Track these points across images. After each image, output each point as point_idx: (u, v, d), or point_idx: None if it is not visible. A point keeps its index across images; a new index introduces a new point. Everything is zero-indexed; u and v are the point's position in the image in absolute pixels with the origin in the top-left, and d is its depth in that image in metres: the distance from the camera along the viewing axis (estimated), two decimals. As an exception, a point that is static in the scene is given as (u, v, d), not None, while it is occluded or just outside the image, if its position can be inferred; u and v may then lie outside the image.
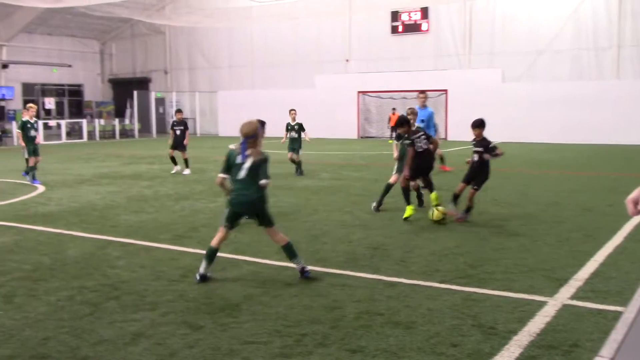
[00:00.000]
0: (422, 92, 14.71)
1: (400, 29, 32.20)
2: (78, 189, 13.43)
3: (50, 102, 38.52)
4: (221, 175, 6.30)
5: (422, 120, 13.57)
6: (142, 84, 40.96)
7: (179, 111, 17.48)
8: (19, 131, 14.96)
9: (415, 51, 31.69)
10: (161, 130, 36.81)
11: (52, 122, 34.76)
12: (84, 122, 35.20)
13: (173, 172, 16.39)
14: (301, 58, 34.73)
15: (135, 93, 37.28)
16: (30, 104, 15.58)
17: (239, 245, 7.72)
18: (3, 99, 36.07)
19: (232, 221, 6.33)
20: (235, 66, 37.47)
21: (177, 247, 7.80)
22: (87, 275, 6.51)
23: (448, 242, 7.94)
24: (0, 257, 7.31)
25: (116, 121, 37.19)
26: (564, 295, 5.72)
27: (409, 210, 9.46)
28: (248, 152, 6.17)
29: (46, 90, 39.45)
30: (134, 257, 7.32)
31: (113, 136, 35.97)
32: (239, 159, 6.19)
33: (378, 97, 32.89)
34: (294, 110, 16.37)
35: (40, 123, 32.51)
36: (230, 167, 6.25)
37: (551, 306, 5.39)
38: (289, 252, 6.33)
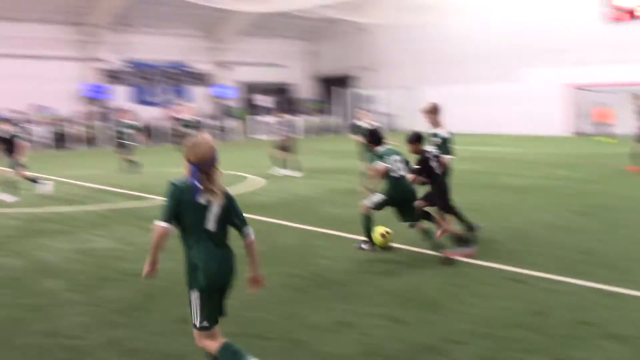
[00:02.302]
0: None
1: (614, 15, 29.57)
2: (290, 182, 14.31)
3: (265, 100, 41.36)
4: (162, 225, 3.79)
5: None
6: (348, 81, 42.32)
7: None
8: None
9: (635, 40, 28.89)
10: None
11: (266, 119, 37.29)
12: (297, 119, 37.29)
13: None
14: (506, 51, 33.46)
15: (341, 91, 38.61)
16: (185, 103, 17.08)
17: (441, 242, 7.70)
18: (225, 98, 39.47)
19: (213, 311, 3.94)
20: (439, 62, 37.15)
21: (379, 241, 7.98)
22: (296, 263, 6.95)
23: (674, 251, 7.19)
24: (222, 242, 8.06)
25: (323, 118, 38.87)
26: None
27: None
28: (209, 186, 3.81)
29: (261, 88, 42.45)
30: (340, 249, 7.64)
31: (320, 132, 37.68)
32: (199, 199, 3.80)
33: (594, 90, 30.53)
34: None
35: (255, 119, 35.16)
36: (178, 213, 3.81)
37: None
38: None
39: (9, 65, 31.21)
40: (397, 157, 7.49)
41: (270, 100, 41.08)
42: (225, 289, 4.01)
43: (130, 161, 17.12)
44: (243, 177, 15.26)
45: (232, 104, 39.98)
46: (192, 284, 3.88)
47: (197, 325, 3.85)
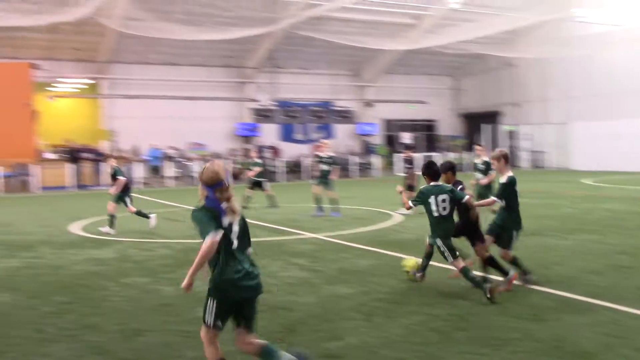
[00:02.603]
0: None
1: None
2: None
3: (407, 137, 41.38)
4: (216, 235, 4.21)
5: None
6: (492, 117, 41.26)
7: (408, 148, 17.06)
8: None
9: None
10: (511, 163, 36.42)
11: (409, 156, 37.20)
12: (438, 155, 36.91)
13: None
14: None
15: (485, 127, 37.72)
16: (324, 141, 17.04)
17: (596, 289, 7.16)
18: (368, 135, 39.98)
19: (226, 317, 4.45)
20: (590, 96, 35.18)
21: (526, 285, 7.57)
22: (438, 304, 6.76)
23: None
24: (363, 278, 8.06)
25: (467, 154, 38.08)
26: None
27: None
28: (227, 206, 4.27)
29: (404, 125, 42.53)
30: (481, 290, 7.33)
31: (461, 170, 36.91)
32: (225, 221, 4.25)
33: None
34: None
35: (397, 156, 35.13)
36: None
37: None
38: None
39: (171, 106, 33.94)
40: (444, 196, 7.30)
41: (412, 137, 41.05)
42: (250, 302, 4.46)
43: (270, 196, 17.71)
44: (385, 214, 15.24)
45: (375, 140, 40.38)
46: (215, 291, 4.39)
47: (211, 322, 4.37)
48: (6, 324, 6.36)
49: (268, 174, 18.38)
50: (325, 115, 38.08)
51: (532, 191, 20.25)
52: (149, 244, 11.37)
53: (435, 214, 7.24)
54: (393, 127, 42.17)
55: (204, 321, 4.41)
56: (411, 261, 8.07)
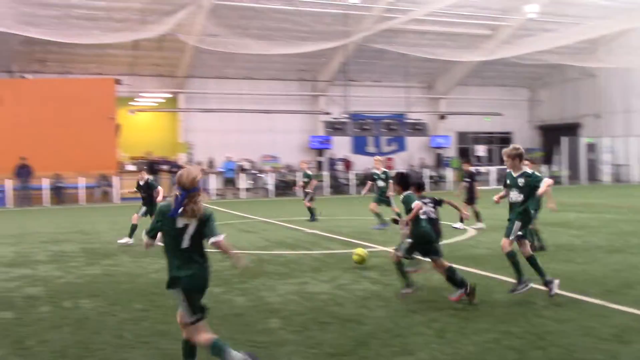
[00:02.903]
0: None
1: None
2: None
3: (481, 150, 40.61)
4: (148, 240, 4.94)
5: None
6: (571, 129, 39.91)
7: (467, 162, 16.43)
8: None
9: None
10: (592, 177, 35.19)
11: (482, 169, 36.53)
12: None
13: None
14: None
15: (563, 139, 36.53)
16: (377, 157, 16.85)
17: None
18: (440, 147, 39.48)
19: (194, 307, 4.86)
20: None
21: (608, 304, 7.23)
22: (513, 321, 6.54)
23: None
24: (435, 293, 7.91)
25: (544, 168, 36.97)
26: None
27: None
28: (188, 209, 4.70)
29: (478, 138, 41.76)
30: (562, 309, 7.06)
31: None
32: (180, 222, 4.73)
33: None
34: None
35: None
36: (160, 229, 4.80)
37: None
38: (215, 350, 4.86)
39: (246, 119, 34.66)
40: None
41: (485, 150, 40.28)
42: (191, 293, 4.83)
43: (309, 208, 17.73)
44: (458, 228, 14.96)
45: (448, 153, 39.84)
46: (171, 284, 4.84)
47: (192, 318, 4.82)
48: (87, 329, 6.60)
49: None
50: (398, 128, 37.86)
51: (614, 206, 19.40)
52: (222, 254, 11.55)
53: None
54: (467, 140, 41.49)
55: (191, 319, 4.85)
56: (359, 252, 9.86)
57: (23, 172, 26.21)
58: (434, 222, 8.12)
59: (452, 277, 7.37)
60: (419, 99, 38.72)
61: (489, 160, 40.93)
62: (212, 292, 8.23)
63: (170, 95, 34.13)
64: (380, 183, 15.71)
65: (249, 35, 29.59)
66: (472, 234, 13.98)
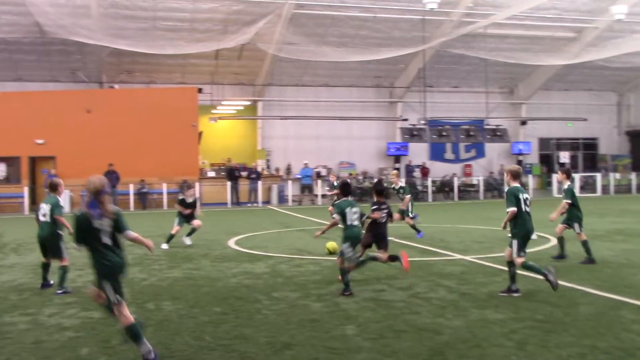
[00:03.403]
0: None
1: None
2: (592, 244, 13.16)
3: (564, 156, 39.23)
4: (75, 246, 5.77)
5: None
6: (664, 134, 37.96)
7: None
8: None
9: None
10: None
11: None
12: (598, 175, 34.59)
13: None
14: None
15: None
16: (393, 172, 16.73)
17: None
18: (521, 154, 38.41)
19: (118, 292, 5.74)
20: None
21: None
22: (599, 335, 6.27)
23: None
24: (514, 304, 7.70)
25: (633, 175, 35.30)
26: None
27: None
28: (102, 211, 5.63)
29: (561, 144, 40.37)
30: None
31: (629, 191, 34.22)
32: (96, 223, 5.61)
33: None
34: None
35: (554, 176, 33.37)
36: (84, 235, 5.65)
37: None
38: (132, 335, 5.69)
39: (323, 126, 34.94)
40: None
41: (569, 156, 38.94)
42: (121, 277, 5.72)
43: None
44: (539, 237, 14.49)
45: (529, 160, 38.76)
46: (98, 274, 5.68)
47: (117, 298, 5.66)
48: (169, 330, 6.81)
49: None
50: (477, 134, 37.11)
51: None
52: (299, 260, 11.69)
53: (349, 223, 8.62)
54: (549, 146, 40.19)
55: (113, 302, 5.64)
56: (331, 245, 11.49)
57: (111, 177, 27.39)
58: (381, 226, 9.49)
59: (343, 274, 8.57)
60: (499, 104, 37.80)
61: (573, 167, 39.45)
62: (289, 297, 8.35)
63: (249, 103, 34.81)
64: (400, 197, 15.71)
65: (327, 43, 29.80)
66: (554, 242, 13.51)
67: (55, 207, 9.09)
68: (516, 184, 8.41)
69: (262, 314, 7.49)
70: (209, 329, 6.84)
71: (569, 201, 10.79)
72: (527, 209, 8.24)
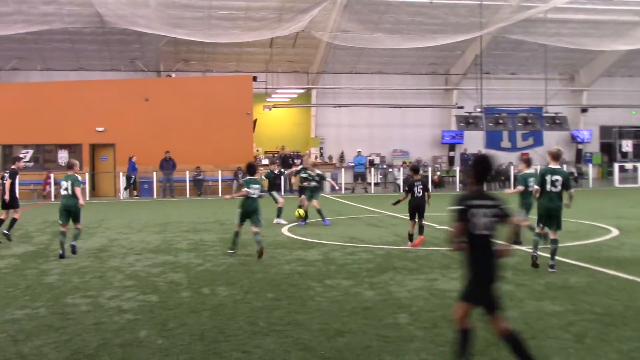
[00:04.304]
0: None
1: None
2: (654, 236, 12.74)
3: (627, 145, 37.94)
4: None
5: None
6: None
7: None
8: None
9: None
10: None
11: (629, 165, 34.13)
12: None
13: None
14: None
15: None
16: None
17: None
18: (582, 142, 37.32)
19: None
20: None
21: None
22: (662, 330, 6.07)
23: None
24: (573, 296, 7.51)
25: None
26: None
27: None
28: None
29: (623, 132, 39.02)
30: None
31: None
32: None
33: None
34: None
35: (616, 165, 32.34)
36: None
37: None
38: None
39: (377, 113, 34.75)
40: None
41: (632, 145, 37.60)
42: None
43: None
44: (600, 228, 14.09)
45: (590, 148, 37.62)
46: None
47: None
48: (223, 315, 6.94)
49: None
50: (535, 122, 36.19)
51: None
52: (352, 248, 11.70)
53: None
54: (610, 134, 38.90)
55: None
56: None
57: (167, 165, 27.96)
58: (418, 199, 11.60)
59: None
60: (559, 91, 36.72)
61: (636, 156, 38.10)
62: (342, 284, 8.37)
63: (303, 91, 34.91)
64: (313, 183, 16.03)
65: (381, 30, 29.55)
66: (615, 234, 13.11)
67: (75, 182, 11.10)
68: (553, 165, 9.21)
69: (315, 300, 7.53)
70: (263, 314, 6.93)
71: (522, 187, 11.37)
72: (554, 189, 8.92)
